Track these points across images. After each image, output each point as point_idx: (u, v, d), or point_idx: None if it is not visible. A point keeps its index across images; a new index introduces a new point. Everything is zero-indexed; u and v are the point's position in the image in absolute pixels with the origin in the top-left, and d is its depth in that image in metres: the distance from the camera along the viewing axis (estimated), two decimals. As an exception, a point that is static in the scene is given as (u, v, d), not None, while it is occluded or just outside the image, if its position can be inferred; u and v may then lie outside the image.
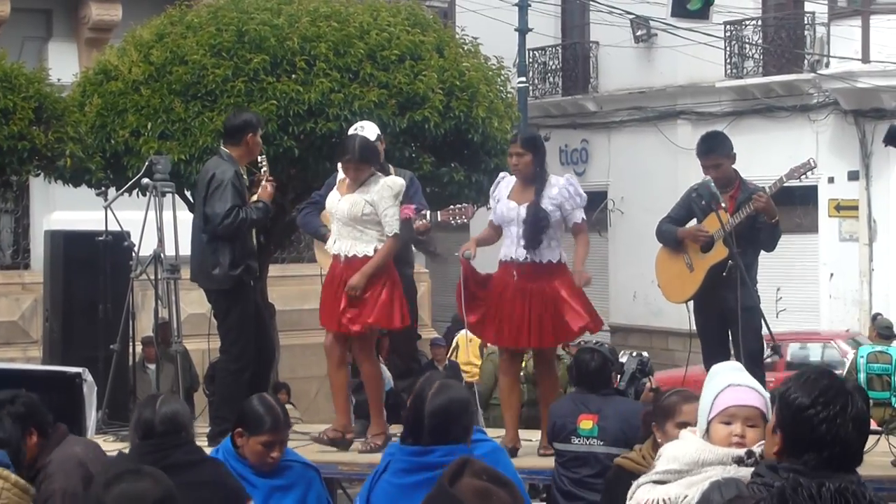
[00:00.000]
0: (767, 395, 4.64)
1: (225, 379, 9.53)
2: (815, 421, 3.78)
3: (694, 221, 9.74)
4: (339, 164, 9.05)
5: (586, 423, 8.05)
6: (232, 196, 9.33)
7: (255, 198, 9.58)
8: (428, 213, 9.55)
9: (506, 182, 9.23)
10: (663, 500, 4.35)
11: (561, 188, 9.06)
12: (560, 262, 9.11)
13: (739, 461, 4.27)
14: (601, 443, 7.99)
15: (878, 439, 8.75)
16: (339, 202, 8.88)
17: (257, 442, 6.10)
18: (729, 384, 4.54)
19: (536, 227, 8.97)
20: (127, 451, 6.03)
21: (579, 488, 7.99)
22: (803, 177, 9.60)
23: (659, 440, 6.03)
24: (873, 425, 9.61)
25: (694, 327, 9.78)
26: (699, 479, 4.24)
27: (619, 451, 7.58)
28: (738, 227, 9.27)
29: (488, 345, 17.00)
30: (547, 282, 9.04)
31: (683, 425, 6.04)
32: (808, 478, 3.64)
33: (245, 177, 9.66)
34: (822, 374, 3.93)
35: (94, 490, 4.21)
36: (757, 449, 4.23)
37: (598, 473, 7.88)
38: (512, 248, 9.05)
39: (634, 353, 10.06)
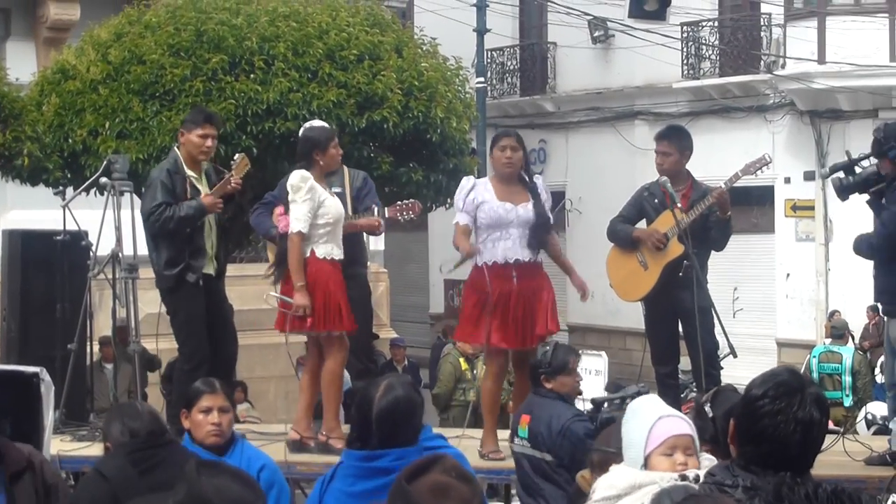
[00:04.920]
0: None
1: (180, 378, 9.44)
2: (759, 413, 3.82)
3: (644, 221, 9.76)
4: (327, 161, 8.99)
5: (523, 424, 7.80)
6: (161, 194, 9.29)
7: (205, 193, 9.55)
8: (377, 209, 9.47)
9: (482, 185, 9.01)
10: None
11: (541, 189, 9.09)
12: (540, 262, 9.14)
13: (683, 479, 4.24)
14: (529, 445, 7.71)
15: (836, 440, 8.82)
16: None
17: (197, 411, 6.09)
18: (660, 416, 4.55)
19: (545, 227, 9.04)
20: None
21: (526, 492, 7.83)
22: (759, 172, 9.66)
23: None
24: (830, 425, 9.69)
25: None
26: (642, 493, 4.24)
27: (541, 455, 7.49)
28: (692, 226, 9.28)
29: (456, 346, 16.90)
30: (537, 281, 9.04)
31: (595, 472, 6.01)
32: (764, 475, 3.68)
33: (194, 175, 9.58)
34: (786, 373, 3.97)
35: (189, 475, 3.65)
36: (692, 473, 4.21)
37: (524, 480, 7.79)
38: (514, 249, 8.92)
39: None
